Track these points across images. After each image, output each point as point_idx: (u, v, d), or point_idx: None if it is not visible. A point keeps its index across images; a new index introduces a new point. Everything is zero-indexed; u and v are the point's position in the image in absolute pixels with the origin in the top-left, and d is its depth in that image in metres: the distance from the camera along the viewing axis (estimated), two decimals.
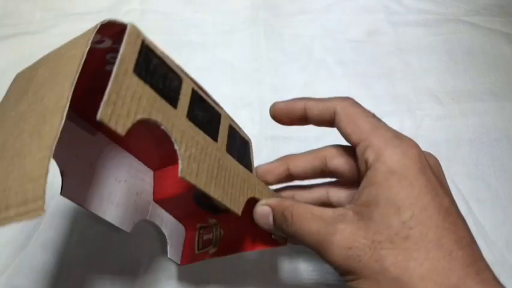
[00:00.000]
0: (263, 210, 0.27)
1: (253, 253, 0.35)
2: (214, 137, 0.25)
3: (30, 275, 0.36)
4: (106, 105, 0.19)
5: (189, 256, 0.33)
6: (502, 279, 0.21)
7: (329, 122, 0.27)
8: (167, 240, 0.32)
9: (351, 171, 0.27)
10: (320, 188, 0.30)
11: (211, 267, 0.35)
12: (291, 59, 0.46)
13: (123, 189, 0.30)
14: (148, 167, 0.33)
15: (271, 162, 0.30)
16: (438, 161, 0.26)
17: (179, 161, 0.22)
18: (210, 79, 0.26)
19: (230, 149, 0.26)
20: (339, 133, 0.27)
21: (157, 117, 0.21)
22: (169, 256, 0.31)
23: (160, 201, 0.32)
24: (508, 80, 0.44)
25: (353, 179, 0.27)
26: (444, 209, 0.22)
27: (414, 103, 0.43)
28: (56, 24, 0.45)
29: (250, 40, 0.46)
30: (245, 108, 0.43)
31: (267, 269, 0.35)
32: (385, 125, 0.25)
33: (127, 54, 0.20)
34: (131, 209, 0.31)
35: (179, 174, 0.22)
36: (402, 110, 0.43)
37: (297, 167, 0.29)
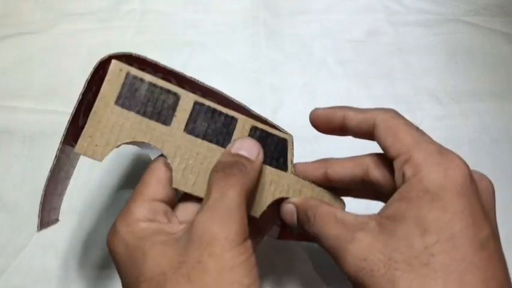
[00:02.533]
0: (288, 208, 0.27)
1: None
2: (225, 144, 0.26)
3: (30, 275, 0.36)
4: (81, 139, 0.23)
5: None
6: None
7: (368, 134, 0.25)
8: None
9: (392, 184, 0.25)
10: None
11: None
12: (291, 59, 0.46)
13: None
14: None
15: (309, 162, 0.28)
16: (492, 185, 0.23)
17: (173, 173, 0.24)
18: (209, 79, 0.26)
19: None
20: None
21: (143, 138, 0.24)
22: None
23: None
24: (508, 80, 0.44)
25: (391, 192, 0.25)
26: (478, 242, 0.20)
27: (414, 103, 0.43)
28: (56, 24, 0.45)
29: (250, 40, 0.46)
30: None
31: None
32: (429, 138, 0.23)
33: (107, 90, 0.23)
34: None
35: (172, 185, 0.24)
36: (402, 110, 0.42)
37: (337, 173, 0.27)
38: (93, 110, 0.23)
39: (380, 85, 0.44)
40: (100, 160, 0.23)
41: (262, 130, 0.27)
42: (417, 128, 0.24)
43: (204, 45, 0.46)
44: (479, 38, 0.46)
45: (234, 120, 0.26)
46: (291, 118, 0.43)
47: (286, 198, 0.27)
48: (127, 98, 0.24)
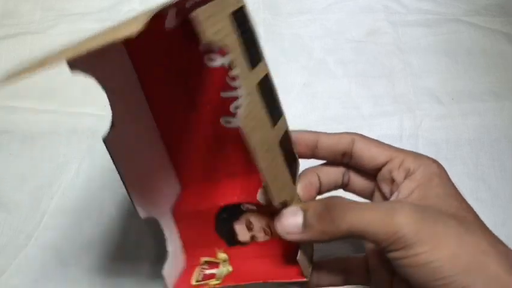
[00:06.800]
0: (293, 210, 0.25)
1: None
2: (274, 121, 0.25)
3: (30, 275, 0.36)
4: (206, 7, 0.19)
5: (184, 284, 0.30)
6: None
7: (342, 152, 0.28)
8: (168, 257, 0.29)
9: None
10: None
11: None
12: (291, 59, 0.46)
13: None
14: (180, 178, 0.32)
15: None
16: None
17: (241, 109, 0.21)
18: None
19: (283, 146, 0.25)
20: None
21: (233, 57, 0.21)
22: (163, 273, 0.28)
23: (180, 214, 0.31)
24: (508, 80, 0.44)
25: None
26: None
27: (414, 103, 0.43)
28: (56, 24, 0.45)
29: None
30: None
31: None
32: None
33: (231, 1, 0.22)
34: (154, 197, 0.29)
35: (239, 116, 0.21)
36: (402, 110, 0.43)
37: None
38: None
39: (380, 85, 0.44)
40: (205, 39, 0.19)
41: (288, 133, 0.28)
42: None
43: None
44: (479, 38, 0.46)
45: (281, 111, 0.27)
46: (291, 118, 0.43)
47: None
48: (239, 18, 0.22)
